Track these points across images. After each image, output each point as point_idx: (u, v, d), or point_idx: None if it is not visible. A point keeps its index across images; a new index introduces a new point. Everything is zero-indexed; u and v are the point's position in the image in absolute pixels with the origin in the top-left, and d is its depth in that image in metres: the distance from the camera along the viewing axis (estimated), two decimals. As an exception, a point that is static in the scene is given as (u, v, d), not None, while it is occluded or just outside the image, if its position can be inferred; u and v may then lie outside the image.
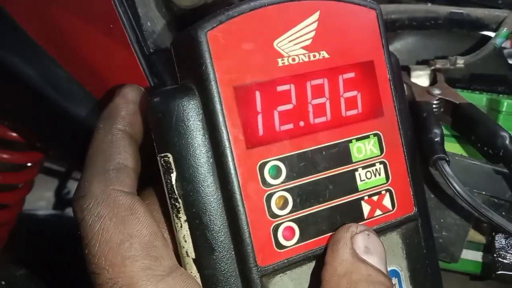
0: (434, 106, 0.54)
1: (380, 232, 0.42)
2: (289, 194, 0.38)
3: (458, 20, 0.60)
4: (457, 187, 0.45)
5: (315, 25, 0.40)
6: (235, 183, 0.36)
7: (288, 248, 0.38)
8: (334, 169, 0.41)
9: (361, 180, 0.42)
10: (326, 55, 0.41)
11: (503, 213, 0.52)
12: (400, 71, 0.49)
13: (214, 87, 0.36)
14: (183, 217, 0.37)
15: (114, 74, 0.51)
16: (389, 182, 0.43)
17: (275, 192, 0.38)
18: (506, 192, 0.52)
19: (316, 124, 0.40)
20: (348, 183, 0.41)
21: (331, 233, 0.39)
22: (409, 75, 0.57)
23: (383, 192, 0.43)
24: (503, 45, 0.59)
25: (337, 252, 0.38)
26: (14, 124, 0.67)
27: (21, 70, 0.53)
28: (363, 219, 0.41)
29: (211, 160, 0.37)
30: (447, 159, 0.47)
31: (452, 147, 0.55)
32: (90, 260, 0.37)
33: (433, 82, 0.58)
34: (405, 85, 0.55)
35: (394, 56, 0.46)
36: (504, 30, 0.57)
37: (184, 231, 0.38)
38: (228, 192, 0.37)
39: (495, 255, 0.52)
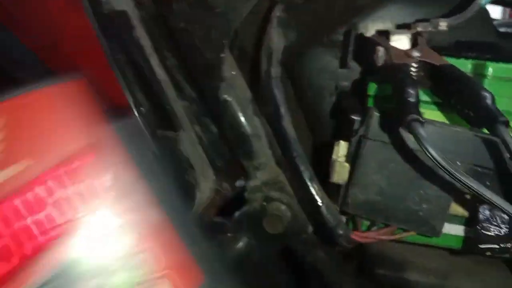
0: (413, 69, 0.50)
1: None
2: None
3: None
4: (432, 152, 0.42)
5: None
6: None
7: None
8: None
9: None
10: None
11: (487, 183, 0.48)
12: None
13: None
14: None
15: (66, 39, 0.48)
16: None
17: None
18: (489, 160, 0.48)
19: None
20: None
21: None
22: (388, 39, 0.54)
23: None
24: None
25: None
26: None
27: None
28: None
29: None
30: (422, 120, 0.43)
31: (433, 115, 0.51)
32: None
33: (414, 45, 0.54)
34: (383, 49, 0.52)
35: None
36: (489, -11, 0.53)
37: None
38: None
39: (478, 227, 0.48)
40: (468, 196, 0.50)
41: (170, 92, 0.53)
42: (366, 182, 0.52)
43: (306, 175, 0.53)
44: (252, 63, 0.58)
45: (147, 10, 0.52)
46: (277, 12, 0.56)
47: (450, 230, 0.51)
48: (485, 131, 0.47)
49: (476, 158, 0.48)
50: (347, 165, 0.53)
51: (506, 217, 0.48)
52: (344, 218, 0.54)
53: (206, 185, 0.57)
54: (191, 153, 0.55)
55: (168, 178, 0.49)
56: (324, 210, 0.52)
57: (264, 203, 0.56)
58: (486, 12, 0.57)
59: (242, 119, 0.56)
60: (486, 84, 0.51)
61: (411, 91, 0.44)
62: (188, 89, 0.57)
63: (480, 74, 0.52)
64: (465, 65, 0.52)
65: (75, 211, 0.36)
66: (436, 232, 0.50)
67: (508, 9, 1.19)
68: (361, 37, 0.56)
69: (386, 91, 0.52)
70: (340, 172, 0.53)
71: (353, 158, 0.52)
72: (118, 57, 0.49)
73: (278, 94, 0.54)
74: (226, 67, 0.55)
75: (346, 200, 0.53)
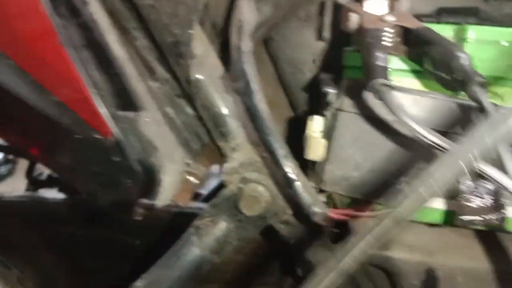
0: (388, 34, 0.47)
1: None
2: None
3: None
4: (404, 117, 0.39)
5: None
6: None
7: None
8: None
9: None
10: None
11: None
12: None
13: None
14: None
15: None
16: None
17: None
18: (465, 127, 0.45)
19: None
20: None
21: None
22: (361, 4, 0.51)
23: None
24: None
25: None
26: None
27: None
28: None
29: None
30: (390, 85, 0.40)
31: (411, 83, 0.48)
32: None
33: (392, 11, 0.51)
34: (355, 15, 0.49)
35: None
36: None
37: None
38: None
39: (459, 198, 0.45)
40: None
41: (130, 70, 0.51)
42: (342, 157, 0.49)
43: (280, 153, 0.50)
44: (225, 39, 0.56)
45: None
46: (248, -16, 0.54)
47: (432, 204, 0.47)
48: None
49: (452, 125, 0.45)
50: (322, 140, 0.51)
51: (490, 187, 0.45)
52: (320, 197, 0.51)
53: (174, 168, 0.54)
54: (155, 134, 0.53)
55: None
56: (299, 188, 0.50)
57: (241, 185, 0.54)
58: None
59: (216, 98, 0.53)
60: (468, 48, 0.47)
61: (379, 55, 0.42)
62: (160, 70, 0.55)
63: (461, 38, 0.48)
64: (447, 30, 0.49)
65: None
66: (417, 206, 0.47)
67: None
68: (335, 5, 0.53)
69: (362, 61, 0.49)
70: (315, 149, 0.51)
71: (328, 132, 0.50)
72: (72, 36, 0.47)
73: (249, 69, 0.51)
74: (196, 44, 0.53)
75: (323, 177, 0.50)
